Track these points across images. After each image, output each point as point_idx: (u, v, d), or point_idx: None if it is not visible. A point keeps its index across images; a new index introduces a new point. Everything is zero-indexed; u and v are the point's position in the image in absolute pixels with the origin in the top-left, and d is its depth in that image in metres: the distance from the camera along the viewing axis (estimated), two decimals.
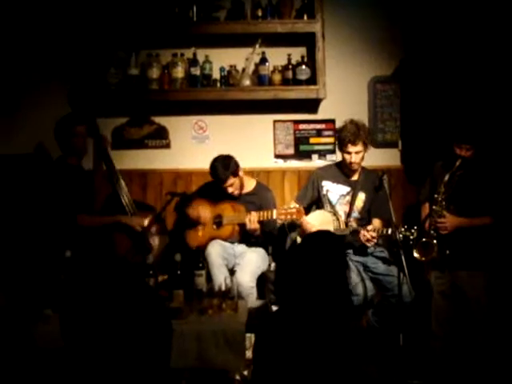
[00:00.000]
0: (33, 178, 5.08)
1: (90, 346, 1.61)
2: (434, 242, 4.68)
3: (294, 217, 4.87)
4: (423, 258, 4.71)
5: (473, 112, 5.24)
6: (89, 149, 5.24)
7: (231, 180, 5.12)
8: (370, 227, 4.87)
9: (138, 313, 1.65)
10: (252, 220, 4.97)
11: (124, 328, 1.63)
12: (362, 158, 5.09)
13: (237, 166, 5.13)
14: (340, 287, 2.68)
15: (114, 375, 1.61)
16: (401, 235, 4.57)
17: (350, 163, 5.07)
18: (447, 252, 4.70)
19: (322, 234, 3.07)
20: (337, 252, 2.76)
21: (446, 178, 4.70)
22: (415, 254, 4.70)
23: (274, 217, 4.95)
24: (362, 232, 4.85)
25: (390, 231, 4.74)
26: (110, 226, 4.99)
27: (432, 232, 4.72)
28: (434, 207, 4.74)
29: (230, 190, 5.15)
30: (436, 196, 4.74)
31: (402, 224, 4.74)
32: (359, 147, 5.01)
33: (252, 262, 5.12)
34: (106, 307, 1.64)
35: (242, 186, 5.24)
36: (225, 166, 5.07)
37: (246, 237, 5.21)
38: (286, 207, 4.95)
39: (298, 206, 5.02)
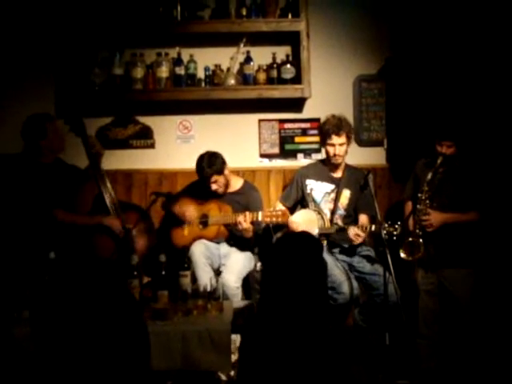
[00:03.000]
0: (6, 178, 5.00)
1: (63, 349, 1.58)
2: (421, 241, 4.68)
3: (280, 219, 4.87)
4: (410, 258, 4.71)
5: (454, 110, 5.26)
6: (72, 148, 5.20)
7: (214, 177, 5.10)
8: (358, 225, 4.89)
9: (113, 315, 1.62)
10: (245, 220, 4.94)
11: (98, 331, 1.60)
12: (346, 152, 5.10)
13: (223, 163, 5.12)
14: (316, 289, 2.66)
15: (90, 379, 1.58)
16: (384, 231, 4.57)
17: (334, 155, 5.06)
18: (432, 251, 4.71)
19: (298, 236, 3.06)
20: (312, 254, 2.74)
21: (429, 176, 4.70)
22: (402, 255, 4.70)
23: (260, 219, 4.94)
24: (352, 229, 4.84)
25: (373, 228, 4.74)
26: (94, 227, 4.93)
27: (418, 231, 4.71)
28: (418, 206, 4.74)
29: (214, 187, 5.13)
30: (420, 195, 4.73)
31: (386, 221, 4.72)
32: (343, 139, 5.02)
33: (238, 263, 5.11)
34: (81, 310, 1.61)
35: (227, 185, 5.22)
36: (210, 163, 5.06)
37: (236, 239, 5.20)
38: (272, 209, 4.95)
39: (283, 208, 5.03)
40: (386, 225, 4.61)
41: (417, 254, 4.69)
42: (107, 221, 4.97)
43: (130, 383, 1.60)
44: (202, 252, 5.06)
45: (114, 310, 1.61)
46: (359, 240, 4.86)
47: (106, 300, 1.61)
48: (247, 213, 4.97)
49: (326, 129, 5.05)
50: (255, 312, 4.49)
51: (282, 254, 2.69)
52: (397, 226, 4.60)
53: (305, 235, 2.98)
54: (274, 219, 4.88)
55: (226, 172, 5.17)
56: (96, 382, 1.57)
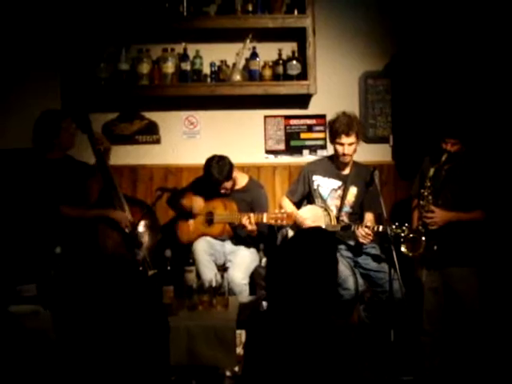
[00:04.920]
0: (14, 174, 5.00)
1: (86, 344, 1.59)
2: (423, 238, 4.66)
3: (285, 222, 4.87)
4: (410, 254, 4.68)
5: (459, 107, 5.25)
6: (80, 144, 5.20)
7: (224, 184, 5.11)
8: (367, 224, 4.87)
9: (135, 309, 1.63)
10: (250, 222, 4.94)
11: (120, 325, 1.61)
12: (355, 151, 5.07)
13: (231, 168, 5.11)
14: (328, 284, 2.67)
15: (111, 372, 1.59)
16: (392, 232, 4.55)
17: (343, 155, 5.03)
18: (435, 248, 4.69)
19: (315, 231, 3.05)
20: (327, 249, 2.74)
21: (431, 172, 4.68)
22: (402, 249, 4.67)
23: (265, 221, 4.93)
24: (360, 229, 4.83)
25: (381, 228, 4.73)
26: (99, 221, 4.93)
27: (420, 228, 4.70)
28: (421, 202, 4.73)
29: (222, 191, 5.18)
30: (422, 191, 4.72)
31: (392, 220, 4.71)
32: (352, 138, 4.98)
33: (245, 260, 5.13)
34: (102, 304, 1.61)
35: (233, 184, 5.23)
36: (219, 170, 5.05)
37: (240, 237, 5.21)
38: (277, 211, 4.95)
39: (289, 210, 5.02)
40: (394, 226, 4.59)
41: (417, 251, 4.67)
42: (114, 214, 4.95)
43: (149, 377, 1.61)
44: (204, 249, 5.08)
45: (135, 303, 1.61)
46: (368, 240, 4.85)
47: (126, 294, 1.62)
48: (252, 214, 4.97)
49: (335, 127, 5.00)
50: (260, 308, 4.50)
51: (300, 250, 2.68)
52: (404, 228, 4.58)
53: (321, 231, 2.98)
54: (279, 221, 4.87)
55: (234, 174, 5.18)
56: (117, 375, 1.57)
